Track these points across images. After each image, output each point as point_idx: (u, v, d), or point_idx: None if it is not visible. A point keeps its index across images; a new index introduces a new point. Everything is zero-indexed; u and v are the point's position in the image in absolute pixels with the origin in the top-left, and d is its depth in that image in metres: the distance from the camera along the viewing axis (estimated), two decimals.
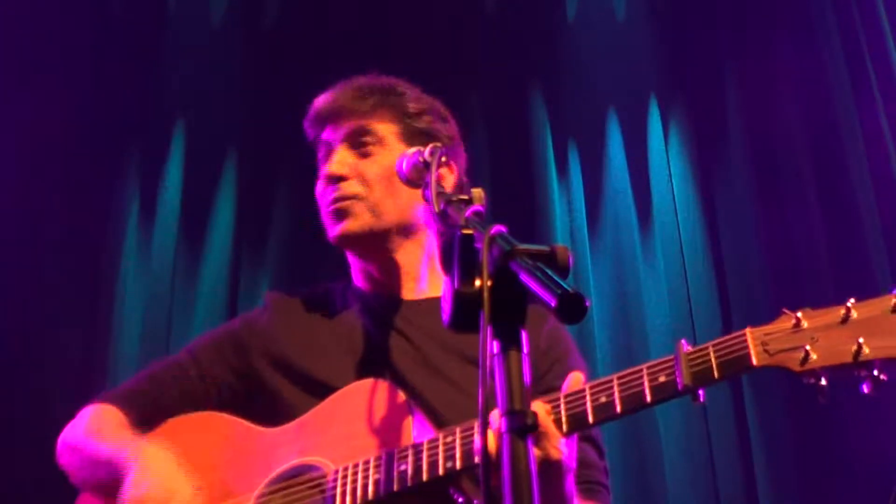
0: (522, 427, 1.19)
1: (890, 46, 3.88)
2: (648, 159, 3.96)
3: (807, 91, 3.91)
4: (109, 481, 1.93)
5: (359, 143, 2.12)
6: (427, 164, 1.84)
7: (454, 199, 1.63)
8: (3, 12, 3.91)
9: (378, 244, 2.11)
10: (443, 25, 4.11)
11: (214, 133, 4.01)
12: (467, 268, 1.33)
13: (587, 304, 1.18)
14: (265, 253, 3.87)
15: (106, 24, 4.03)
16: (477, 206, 1.57)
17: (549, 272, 1.23)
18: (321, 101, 2.20)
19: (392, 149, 2.11)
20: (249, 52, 4.15)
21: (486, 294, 1.25)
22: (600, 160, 3.99)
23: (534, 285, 1.22)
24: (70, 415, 2.12)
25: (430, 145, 1.93)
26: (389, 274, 2.14)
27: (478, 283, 1.28)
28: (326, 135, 2.17)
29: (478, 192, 1.63)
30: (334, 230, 2.09)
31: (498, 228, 1.35)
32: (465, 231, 1.42)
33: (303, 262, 3.76)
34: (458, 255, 1.38)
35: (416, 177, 1.91)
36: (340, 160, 2.11)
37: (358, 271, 2.19)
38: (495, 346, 1.25)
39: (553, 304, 1.18)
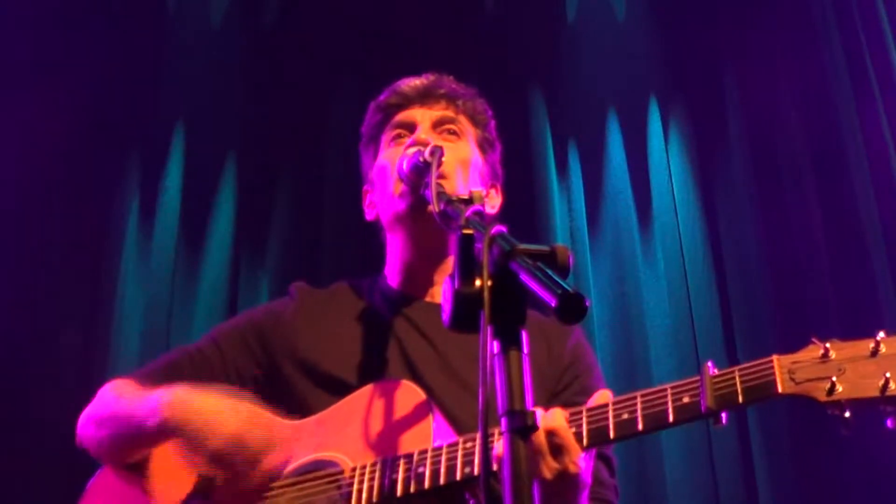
0: (522, 427, 1.19)
1: (890, 46, 3.88)
2: (648, 159, 3.96)
3: (807, 91, 3.91)
4: (147, 425, 1.92)
5: (444, 129, 2.19)
6: (427, 165, 1.84)
7: (454, 199, 1.63)
8: (3, 13, 3.91)
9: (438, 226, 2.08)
10: (443, 25, 4.11)
11: (214, 134, 4.01)
12: (467, 268, 1.33)
13: (587, 304, 1.18)
14: (265, 253, 3.87)
15: (106, 25, 4.03)
16: (477, 206, 1.57)
17: (550, 272, 1.23)
18: (411, 82, 2.25)
19: (468, 145, 2.21)
20: (249, 52, 4.14)
21: (486, 294, 1.25)
22: (600, 160, 3.99)
23: (534, 285, 1.22)
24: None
25: (431, 145, 1.93)
26: (430, 263, 2.14)
27: (478, 282, 1.28)
28: (411, 113, 2.21)
29: (478, 193, 1.63)
30: (411, 199, 2.06)
31: (498, 228, 1.34)
32: (466, 231, 1.42)
33: (303, 263, 3.76)
34: (458, 255, 1.38)
35: (416, 177, 1.91)
36: (427, 133, 2.15)
37: (398, 259, 2.18)
38: (496, 346, 1.24)
39: (553, 304, 1.18)
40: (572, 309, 1.18)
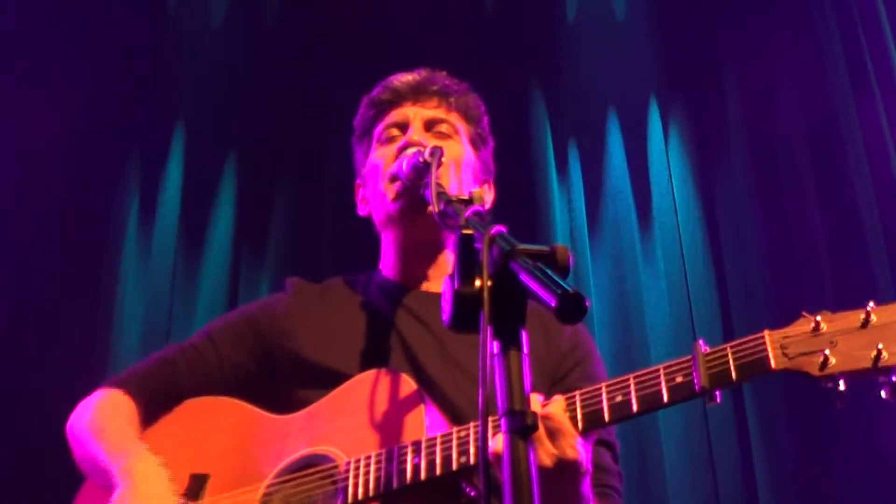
0: (522, 427, 1.19)
1: (890, 46, 3.88)
2: (648, 159, 3.96)
3: (807, 91, 3.91)
4: (103, 484, 1.94)
5: (435, 128, 2.19)
6: (427, 165, 1.84)
7: (454, 199, 1.64)
8: (3, 12, 3.92)
9: (433, 223, 2.05)
10: (443, 25, 4.11)
11: (214, 133, 4.01)
12: (467, 268, 1.33)
13: (587, 304, 1.18)
14: (265, 253, 3.87)
15: (106, 24, 4.03)
16: (477, 206, 1.57)
17: (549, 272, 1.23)
18: (403, 78, 2.25)
19: (461, 143, 2.20)
20: (249, 52, 4.15)
21: (486, 294, 1.25)
22: (600, 160, 3.99)
23: (534, 285, 1.22)
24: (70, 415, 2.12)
25: (431, 146, 1.94)
26: (424, 259, 2.15)
27: (478, 283, 1.28)
28: (403, 112, 2.20)
29: (478, 193, 1.63)
30: (403, 201, 2.07)
31: (498, 228, 1.34)
32: (465, 231, 1.42)
33: (303, 262, 3.76)
34: (458, 255, 1.38)
35: (416, 177, 1.91)
36: (419, 134, 2.14)
37: (392, 255, 2.18)
38: (496, 347, 1.24)
39: (553, 304, 1.17)
40: (572, 309, 1.17)
